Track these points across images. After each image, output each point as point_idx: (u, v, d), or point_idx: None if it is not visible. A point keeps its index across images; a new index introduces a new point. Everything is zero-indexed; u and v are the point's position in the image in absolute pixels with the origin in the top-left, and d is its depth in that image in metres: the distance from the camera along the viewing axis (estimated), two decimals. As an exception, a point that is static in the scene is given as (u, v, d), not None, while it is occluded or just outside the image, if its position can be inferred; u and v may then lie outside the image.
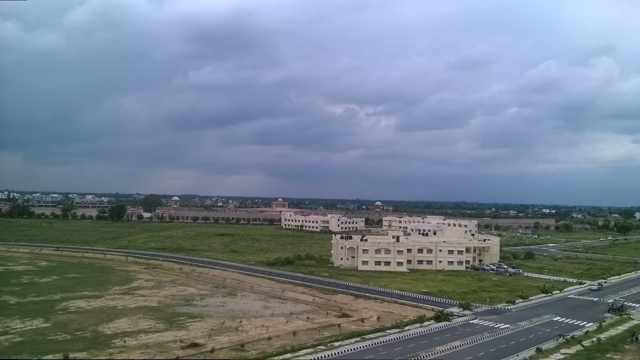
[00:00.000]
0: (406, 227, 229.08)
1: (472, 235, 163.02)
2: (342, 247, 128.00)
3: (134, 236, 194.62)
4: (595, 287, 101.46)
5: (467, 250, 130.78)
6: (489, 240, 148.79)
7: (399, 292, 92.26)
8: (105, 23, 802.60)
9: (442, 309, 77.58)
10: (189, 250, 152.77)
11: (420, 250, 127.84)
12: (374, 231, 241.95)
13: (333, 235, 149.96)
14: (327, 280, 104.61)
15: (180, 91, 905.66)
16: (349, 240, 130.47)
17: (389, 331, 65.50)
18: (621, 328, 70.23)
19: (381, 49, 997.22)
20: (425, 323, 70.40)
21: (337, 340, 60.14)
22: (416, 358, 53.64)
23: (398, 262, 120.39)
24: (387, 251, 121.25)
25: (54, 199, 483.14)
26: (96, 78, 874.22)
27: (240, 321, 69.15)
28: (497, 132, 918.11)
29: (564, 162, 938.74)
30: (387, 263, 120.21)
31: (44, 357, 51.98)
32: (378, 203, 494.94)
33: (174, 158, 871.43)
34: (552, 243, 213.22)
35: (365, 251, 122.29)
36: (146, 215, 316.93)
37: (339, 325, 68.22)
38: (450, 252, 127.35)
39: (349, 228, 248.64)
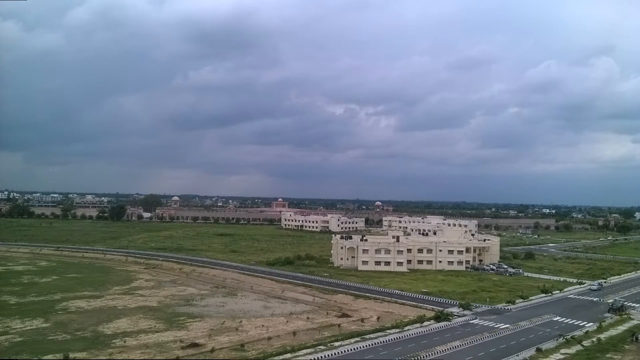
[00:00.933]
0: (406, 227, 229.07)
1: (472, 235, 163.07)
2: (342, 247, 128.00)
3: (134, 236, 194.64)
4: (595, 287, 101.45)
5: (467, 250, 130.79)
6: (489, 240, 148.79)
7: (399, 292, 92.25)
8: (105, 23, 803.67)
9: (442, 309, 77.59)
10: (189, 250, 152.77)
11: (420, 250, 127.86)
12: (374, 231, 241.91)
13: (333, 235, 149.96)
14: (327, 280, 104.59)
15: (180, 91, 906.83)
16: (349, 240, 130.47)
17: (389, 331, 65.50)
18: (621, 328, 70.24)
19: (381, 49, 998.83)
20: (425, 323, 70.41)
21: (337, 340, 60.14)
22: (416, 358, 53.64)
23: (398, 262, 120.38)
24: (387, 251, 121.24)
25: (54, 199, 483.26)
26: (96, 78, 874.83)
27: (240, 321, 69.16)
28: (497, 132, 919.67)
29: (564, 162, 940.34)
30: (387, 263, 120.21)
31: (44, 357, 51.98)
32: (378, 203, 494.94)
33: (174, 158, 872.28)
34: (552, 243, 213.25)
35: (365, 251, 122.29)
36: (146, 215, 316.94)
37: (339, 325, 68.24)
38: (450, 252, 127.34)
39: (349, 228, 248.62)
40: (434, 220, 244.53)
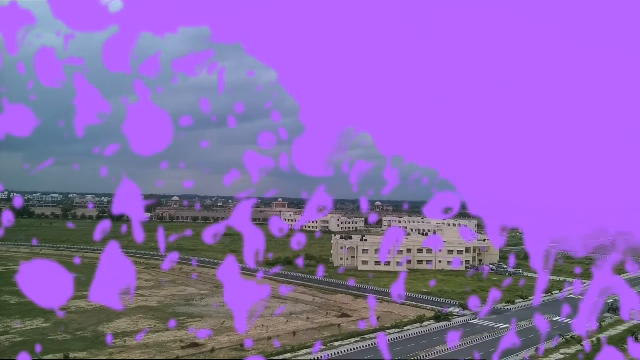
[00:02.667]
0: (406, 227, 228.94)
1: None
2: (342, 247, 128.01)
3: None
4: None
5: (467, 250, 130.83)
6: (488, 240, 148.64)
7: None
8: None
9: (442, 308, 77.68)
10: (189, 250, 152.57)
11: (420, 250, 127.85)
12: (374, 231, 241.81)
13: (333, 235, 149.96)
14: (327, 280, 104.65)
15: (180, 91, 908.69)
16: (349, 240, 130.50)
17: (388, 331, 65.57)
18: (621, 328, 70.42)
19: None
20: (425, 323, 70.49)
21: (337, 340, 60.20)
22: (416, 358, 53.70)
23: (398, 262, 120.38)
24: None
25: (54, 199, 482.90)
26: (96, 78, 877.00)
27: (240, 321, 69.08)
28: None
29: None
30: (387, 263, 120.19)
31: (44, 357, 52.02)
32: (378, 203, 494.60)
33: (174, 158, 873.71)
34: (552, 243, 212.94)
35: (365, 251, 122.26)
36: (146, 215, 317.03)
37: (338, 325, 68.31)
38: (450, 252, 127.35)
39: (349, 228, 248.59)
40: (433, 221, 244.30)
